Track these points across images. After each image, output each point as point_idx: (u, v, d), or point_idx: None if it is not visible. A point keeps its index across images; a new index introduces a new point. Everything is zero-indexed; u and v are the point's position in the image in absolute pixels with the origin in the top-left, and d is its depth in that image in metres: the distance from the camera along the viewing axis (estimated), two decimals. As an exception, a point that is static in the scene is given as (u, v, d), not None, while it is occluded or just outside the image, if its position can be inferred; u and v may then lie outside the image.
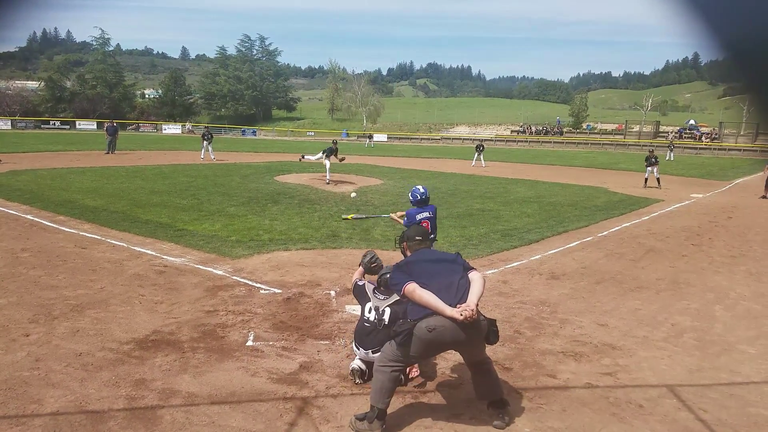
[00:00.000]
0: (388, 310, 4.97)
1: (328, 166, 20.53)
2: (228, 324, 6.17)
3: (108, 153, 30.17)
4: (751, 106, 0.91)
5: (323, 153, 20.51)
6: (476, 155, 31.83)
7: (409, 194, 7.58)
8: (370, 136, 62.58)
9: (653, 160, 22.46)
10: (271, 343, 5.71)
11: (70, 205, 13.32)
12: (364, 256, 5.47)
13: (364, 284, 5.24)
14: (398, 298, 4.68)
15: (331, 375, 5.02)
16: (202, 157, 29.12)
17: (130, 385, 4.66)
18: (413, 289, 4.02)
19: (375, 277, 5.18)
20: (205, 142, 29.40)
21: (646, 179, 22.60)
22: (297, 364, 5.21)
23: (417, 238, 4.69)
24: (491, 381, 4.35)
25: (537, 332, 6.29)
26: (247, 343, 5.66)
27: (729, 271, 9.44)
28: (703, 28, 0.81)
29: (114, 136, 30.90)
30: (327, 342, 5.78)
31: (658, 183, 22.29)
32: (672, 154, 43.18)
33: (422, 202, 7.44)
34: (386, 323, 4.86)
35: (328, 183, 20.26)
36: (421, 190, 7.49)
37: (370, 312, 5.03)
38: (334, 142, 21.55)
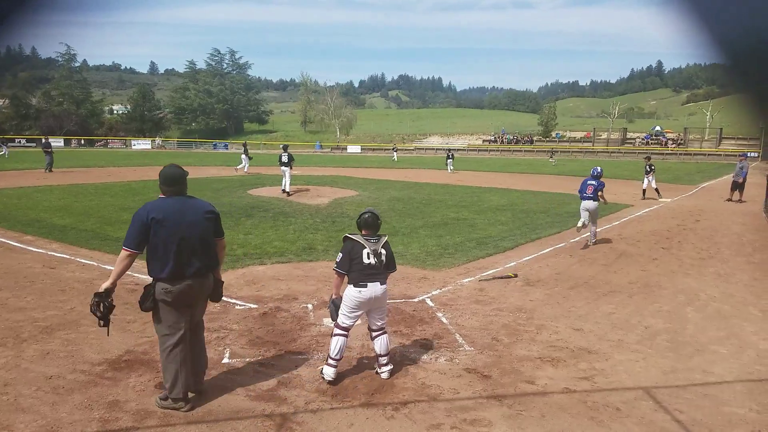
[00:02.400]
0: (383, 251, 5.31)
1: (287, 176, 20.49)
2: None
3: (47, 171, 28.17)
4: (747, 111, 0.93)
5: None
6: (448, 161, 35.60)
7: (591, 170, 12.27)
8: (396, 149, 53.70)
9: (647, 168, 20.73)
10: (247, 359, 5.63)
11: (37, 224, 13.00)
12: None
13: (354, 236, 5.36)
14: (386, 239, 5.40)
15: (309, 390, 4.96)
16: (240, 167, 29.40)
17: (103, 407, 4.54)
18: None
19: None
20: (244, 156, 29.57)
21: (644, 190, 21.04)
22: (275, 380, 5.15)
23: None
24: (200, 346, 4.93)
25: (514, 339, 6.33)
26: (223, 361, 5.57)
27: (698, 273, 9.65)
28: (705, 34, 0.82)
29: (51, 152, 29.17)
30: (305, 356, 5.73)
31: (658, 193, 20.86)
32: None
33: (596, 178, 12.06)
34: (384, 262, 5.29)
35: (289, 194, 20.13)
36: (599, 169, 12.29)
37: (368, 257, 5.22)
38: (284, 148, 21.32)
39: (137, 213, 4.51)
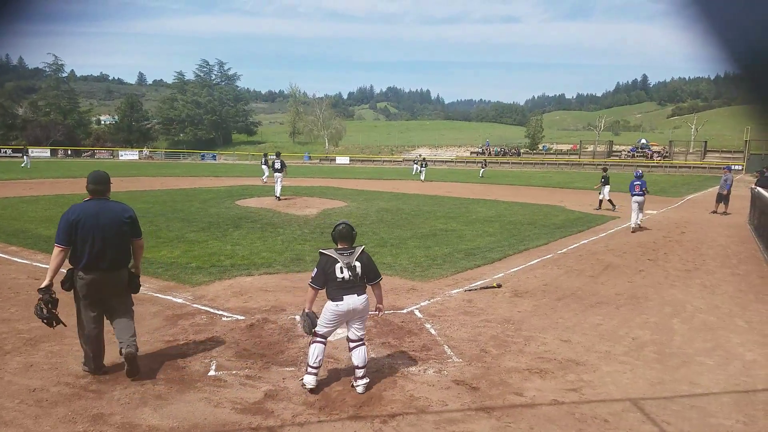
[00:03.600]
0: (357, 264, 5.27)
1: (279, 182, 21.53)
2: (189, 353, 6.00)
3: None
4: (759, 122, 0.93)
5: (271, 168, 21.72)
6: (421, 170, 37.91)
7: (635, 172, 16.80)
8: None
9: (603, 180, 21.19)
10: (234, 371, 5.57)
11: (22, 235, 12.84)
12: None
13: (327, 252, 5.33)
14: (362, 250, 5.40)
15: (297, 402, 4.91)
16: (266, 177, 28.45)
17: (87, 420, 4.47)
18: None
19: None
20: (264, 166, 29.02)
21: (600, 201, 21.39)
22: (262, 392, 5.09)
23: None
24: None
25: (502, 350, 6.33)
26: (210, 373, 5.51)
27: (684, 285, 9.72)
28: (717, 45, 0.83)
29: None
30: (293, 368, 5.68)
31: (611, 204, 20.97)
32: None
33: (639, 178, 16.31)
34: (359, 274, 5.26)
35: (279, 199, 21.23)
36: (640, 171, 16.87)
37: (342, 272, 5.19)
38: (277, 155, 22.64)
39: (64, 214, 5.25)
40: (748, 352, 6.46)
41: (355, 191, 27.82)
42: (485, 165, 45.87)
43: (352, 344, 5.33)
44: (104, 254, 5.22)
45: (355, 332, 5.34)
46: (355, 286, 5.23)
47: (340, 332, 5.86)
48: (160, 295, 8.22)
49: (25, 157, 44.80)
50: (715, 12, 0.84)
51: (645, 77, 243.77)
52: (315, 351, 5.22)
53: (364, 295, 5.31)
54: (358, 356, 5.27)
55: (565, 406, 4.93)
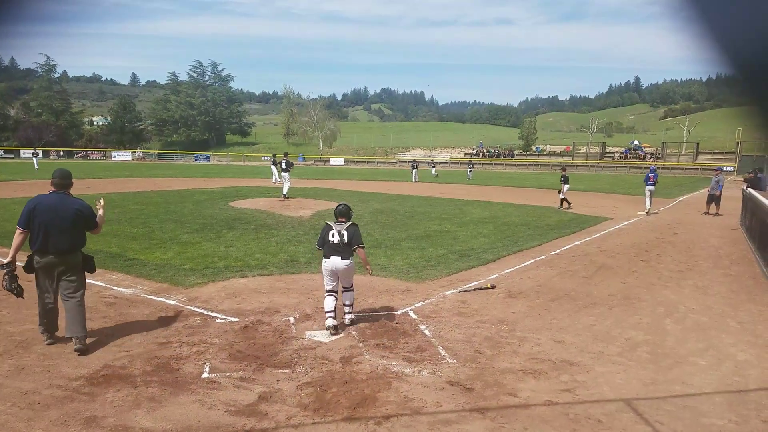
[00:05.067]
0: (345, 233, 7.00)
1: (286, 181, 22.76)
2: (182, 356, 5.98)
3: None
4: (757, 124, 0.93)
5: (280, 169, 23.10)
6: (414, 172, 39.17)
7: (651, 167, 21.96)
8: (434, 164, 49.84)
9: (561, 179, 21.78)
10: (228, 374, 5.55)
11: (13, 236, 12.72)
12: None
13: (329, 222, 7.18)
14: (351, 223, 7.16)
15: (291, 405, 4.90)
16: (278, 180, 28.49)
17: (80, 423, 4.44)
18: None
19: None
20: (274, 167, 29.63)
21: (562, 200, 21.70)
22: (256, 394, 5.08)
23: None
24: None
25: (497, 351, 6.34)
26: (203, 375, 5.49)
27: (677, 286, 9.77)
28: (714, 47, 0.83)
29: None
30: (287, 370, 5.67)
31: (565, 203, 21.54)
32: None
33: (653, 171, 20.74)
34: (346, 241, 6.97)
35: (287, 197, 22.31)
36: (654, 166, 23.64)
37: (333, 237, 6.99)
38: (285, 155, 24.09)
39: (27, 203, 6.09)
40: (740, 353, 6.50)
41: (350, 192, 27.80)
42: (472, 166, 46.31)
43: (343, 290, 7.18)
44: (55, 240, 5.95)
45: (344, 284, 7.15)
46: (341, 251, 6.96)
47: (335, 335, 6.44)
48: (153, 297, 8.19)
49: (34, 159, 45.07)
50: (709, 13, 0.84)
51: (638, 79, 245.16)
52: (328, 301, 6.96)
53: (348, 260, 7.01)
54: (347, 296, 7.19)
55: (558, 407, 4.95)
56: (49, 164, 51.54)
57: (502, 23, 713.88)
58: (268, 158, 30.62)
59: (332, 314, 6.88)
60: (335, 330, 6.76)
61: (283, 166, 23.08)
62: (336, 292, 7.07)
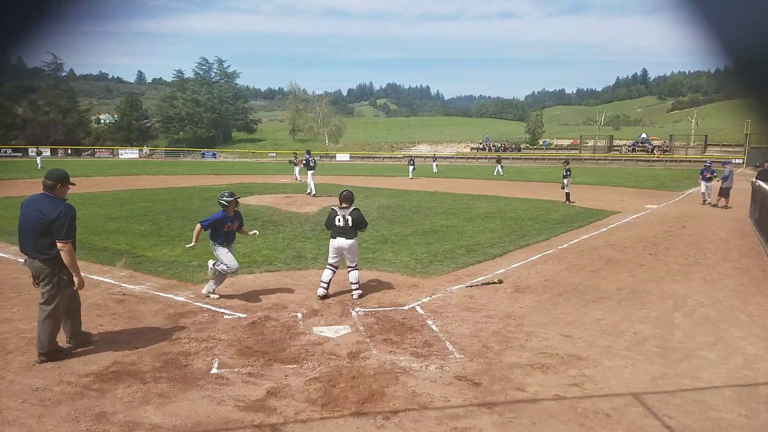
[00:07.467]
0: (350, 217, 8.03)
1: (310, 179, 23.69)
2: (191, 352, 6.01)
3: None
4: (755, 116, 0.93)
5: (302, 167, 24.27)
6: (411, 168, 37.68)
7: (705, 161, 24.09)
8: (434, 158, 49.18)
9: (564, 173, 21.65)
10: (236, 369, 5.58)
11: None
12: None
13: (334, 207, 8.20)
14: (354, 208, 8.15)
15: (299, 400, 4.92)
16: (300, 177, 29.13)
17: (90, 419, 4.48)
18: None
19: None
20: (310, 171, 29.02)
21: (567, 194, 21.61)
22: (264, 390, 5.10)
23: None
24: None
25: (504, 346, 6.33)
26: (212, 371, 5.52)
27: (686, 279, 9.72)
28: (712, 39, 0.82)
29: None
30: (295, 366, 5.69)
31: (567, 198, 21.45)
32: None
33: (707, 168, 22.23)
34: (350, 224, 8.02)
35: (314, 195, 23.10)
36: (708, 161, 23.84)
37: (338, 221, 8.03)
38: (307, 153, 25.52)
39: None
40: (750, 346, 6.46)
41: (356, 188, 27.70)
42: (500, 161, 44.49)
43: (348, 269, 8.14)
44: (22, 242, 5.78)
45: (349, 262, 8.13)
46: (346, 232, 8.02)
47: (343, 330, 6.49)
48: (161, 294, 8.23)
49: (38, 158, 45.25)
50: (711, 5, 0.83)
51: (645, 72, 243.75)
52: (326, 273, 8.08)
53: (352, 240, 8.06)
54: (352, 276, 8.13)
55: (567, 401, 4.94)
56: (55, 163, 51.79)
57: (506, 16, 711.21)
58: (295, 158, 30.41)
59: (325, 285, 8.00)
60: (323, 299, 7.88)
61: (311, 164, 24.38)
62: (336, 267, 8.11)
